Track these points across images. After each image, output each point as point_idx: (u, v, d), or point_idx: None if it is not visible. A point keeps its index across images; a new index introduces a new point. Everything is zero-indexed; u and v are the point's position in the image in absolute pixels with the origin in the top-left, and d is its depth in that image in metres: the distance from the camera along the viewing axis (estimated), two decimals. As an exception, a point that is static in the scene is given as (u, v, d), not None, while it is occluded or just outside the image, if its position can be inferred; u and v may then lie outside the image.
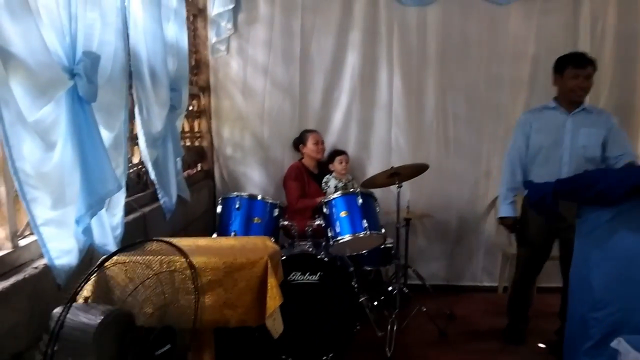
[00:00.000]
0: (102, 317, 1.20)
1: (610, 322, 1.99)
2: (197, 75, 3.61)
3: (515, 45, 3.56)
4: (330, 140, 3.66)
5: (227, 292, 1.53)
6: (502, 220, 2.86)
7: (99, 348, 1.19)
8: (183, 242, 1.81)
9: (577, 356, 2.13)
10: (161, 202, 2.56)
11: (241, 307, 1.55)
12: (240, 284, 1.54)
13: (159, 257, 1.45)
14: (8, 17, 1.25)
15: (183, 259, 1.44)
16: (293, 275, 2.61)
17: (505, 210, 2.80)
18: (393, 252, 3.22)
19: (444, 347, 2.90)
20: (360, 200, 2.67)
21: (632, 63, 3.54)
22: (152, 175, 2.48)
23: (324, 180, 3.49)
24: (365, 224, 2.62)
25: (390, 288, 3.14)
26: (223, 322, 1.55)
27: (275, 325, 1.61)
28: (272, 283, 1.55)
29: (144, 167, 2.56)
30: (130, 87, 2.17)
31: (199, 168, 3.74)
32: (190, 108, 3.53)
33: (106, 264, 1.36)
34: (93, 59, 1.61)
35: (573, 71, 2.62)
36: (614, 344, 1.77)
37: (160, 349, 1.31)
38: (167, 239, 1.48)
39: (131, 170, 2.52)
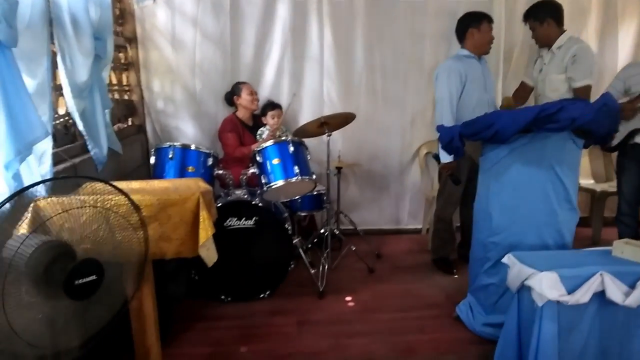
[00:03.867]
0: (39, 244, 1.28)
1: (505, 245, 2.31)
2: (122, 25, 3.50)
3: (437, 1, 3.72)
4: (263, 94, 3.72)
5: (162, 226, 1.64)
6: (446, 165, 2.96)
7: (32, 273, 1.28)
8: (118, 185, 1.88)
9: (479, 276, 2.47)
10: (91, 153, 2.56)
11: (176, 239, 1.67)
12: (174, 218, 1.65)
13: (92, 196, 1.52)
14: None
15: (117, 197, 1.52)
16: (230, 221, 2.75)
17: (446, 156, 2.88)
18: (324, 197, 3.42)
19: (371, 281, 3.19)
20: (292, 148, 2.81)
21: None
22: (81, 126, 2.46)
23: (258, 132, 3.57)
24: (296, 170, 2.78)
25: (322, 231, 3.36)
26: (160, 254, 1.67)
27: (209, 254, 1.75)
28: (204, 216, 1.68)
29: (72, 118, 2.53)
30: (51, 35, 2.12)
31: (130, 123, 3.69)
32: (118, 60, 3.44)
33: (39, 200, 1.41)
34: (11, 4, 1.59)
35: (489, 26, 3.01)
36: (504, 259, 2.09)
37: (85, 278, 1.38)
38: (99, 178, 1.55)
39: (58, 122, 2.49)
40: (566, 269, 1.90)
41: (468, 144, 2.36)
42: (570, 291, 1.86)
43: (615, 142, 3.02)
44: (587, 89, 2.92)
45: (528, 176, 2.26)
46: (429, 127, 3.92)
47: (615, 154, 3.18)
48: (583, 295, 1.86)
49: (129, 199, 1.45)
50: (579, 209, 2.37)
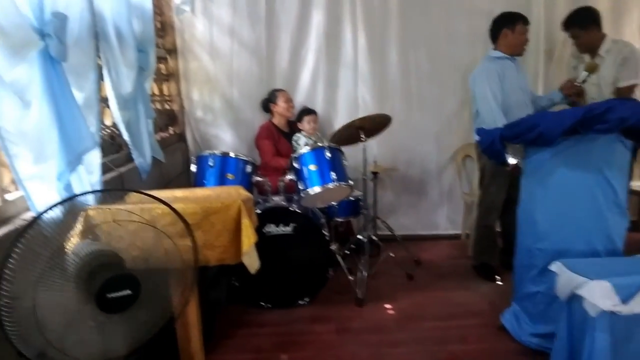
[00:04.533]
0: (89, 252, 1.33)
1: (551, 251, 2.22)
2: (163, 37, 3.61)
3: (473, 1, 3.66)
4: (299, 99, 3.75)
5: (205, 234, 1.67)
6: (515, 167, 2.76)
7: (78, 277, 1.33)
8: (161, 194, 1.92)
9: (525, 284, 2.38)
10: (136, 162, 2.64)
11: (219, 247, 1.70)
12: (217, 226, 1.68)
13: (139, 205, 1.57)
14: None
15: (162, 206, 1.56)
16: (268, 227, 2.77)
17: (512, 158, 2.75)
18: (361, 203, 3.40)
19: (410, 288, 3.14)
20: (329, 154, 2.81)
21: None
22: (126, 136, 2.55)
23: (294, 138, 3.60)
24: (333, 176, 2.77)
25: (360, 237, 3.34)
26: (204, 261, 1.70)
27: (251, 261, 1.77)
28: (246, 224, 1.70)
29: (117, 129, 2.62)
30: (97, 48, 2.21)
31: (171, 131, 3.79)
32: (159, 71, 3.55)
33: (89, 209, 1.47)
34: (62, 19, 1.66)
35: (524, 27, 2.94)
36: (552, 267, 2.02)
37: (118, 292, 1.38)
38: (145, 191, 1.59)
39: (104, 132, 2.58)
40: (619, 277, 1.81)
41: (509, 147, 2.29)
42: (624, 300, 1.77)
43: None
44: (631, 88, 2.88)
45: (574, 180, 2.17)
46: (466, 129, 3.84)
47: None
48: (638, 304, 1.77)
49: (173, 210, 1.48)
50: (631, 213, 2.26)
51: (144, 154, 2.71)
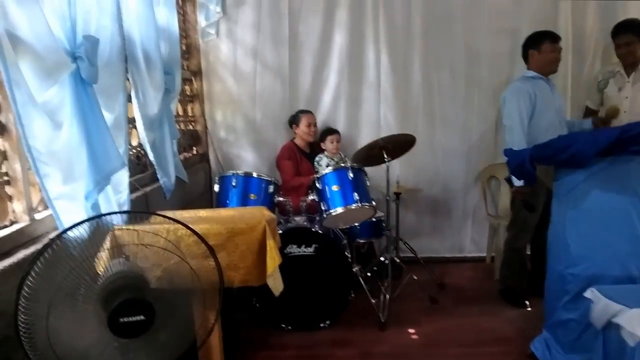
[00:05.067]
0: (115, 272, 1.32)
1: (585, 277, 2.13)
2: (188, 59, 3.68)
3: (498, 20, 3.64)
4: (321, 119, 3.76)
5: (229, 255, 1.65)
6: (520, 190, 2.79)
7: (103, 295, 1.32)
8: (185, 214, 1.93)
9: (556, 311, 2.29)
10: (161, 182, 2.66)
11: (243, 268, 1.68)
12: (241, 247, 1.66)
13: (164, 225, 1.56)
14: (15, 4, 1.34)
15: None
16: (289, 248, 2.75)
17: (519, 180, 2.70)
18: (384, 224, 3.35)
19: (435, 313, 3.05)
20: (351, 175, 2.79)
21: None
22: (151, 156, 2.58)
23: (316, 159, 3.59)
24: (356, 196, 2.74)
25: (382, 259, 3.28)
26: (227, 283, 1.68)
27: (275, 284, 1.74)
28: (270, 245, 1.68)
29: (143, 149, 2.66)
30: (126, 71, 2.25)
31: (194, 151, 3.83)
32: (184, 92, 3.61)
33: (116, 228, 1.47)
34: (93, 43, 1.70)
35: (552, 45, 2.88)
36: (586, 293, 1.93)
37: (130, 317, 1.34)
38: (167, 215, 1.58)
39: (131, 153, 2.62)
40: (660, 305, 1.72)
41: (539, 169, 2.23)
42: (667, 330, 1.68)
43: None
44: None
45: (609, 203, 2.09)
46: (491, 150, 3.79)
47: None
48: (681, 335, 1.67)
49: (195, 233, 1.47)
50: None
51: (169, 173, 2.74)
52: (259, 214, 1.88)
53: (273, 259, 1.68)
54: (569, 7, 3.60)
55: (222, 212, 1.98)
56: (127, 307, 1.33)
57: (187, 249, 1.57)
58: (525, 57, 3.03)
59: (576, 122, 3.14)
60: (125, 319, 1.34)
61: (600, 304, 1.84)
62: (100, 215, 1.51)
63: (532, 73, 2.96)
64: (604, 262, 2.13)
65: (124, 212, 1.67)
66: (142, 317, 1.36)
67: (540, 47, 2.92)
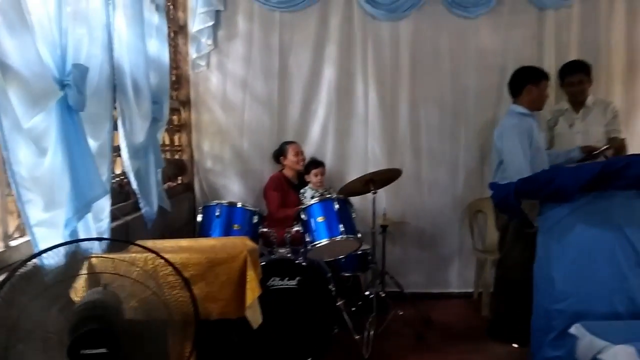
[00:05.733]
0: (88, 300, 1.27)
1: (571, 313, 2.12)
2: (178, 90, 3.71)
3: (484, 57, 3.75)
4: (309, 151, 3.77)
5: (208, 285, 1.61)
6: None
7: (72, 325, 1.27)
8: (166, 243, 1.90)
9: (543, 347, 2.26)
10: (142, 211, 2.62)
11: (222, 299, 1.63)
12: (221, 277, 1.62)
13: (143, 254, 1.52)
14: (6, 32, 1.35)
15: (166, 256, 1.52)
16: (272, 281, 2.69)
17: None
18: (369, 257, 3.32)
19: (421, 350, 2.99)
20: (337, 206, 2.78)
21: (595, 71, 3.55)
22: (134, 185, 2.55)
23: (301, 191, 3.58)
24: (341, 228, 2.73)
25: (367, 293, 3.23)
26: (205, 314, 1.63)
27: (254, 316, 1.69)
28: (251, 276, 1.64)
29: (126, 177, 2.63)
30: (114, 99, 2.26)
31: (179, 181, 3.80)
32: (172, 122, 3.61)
33: (93, 256, 1.43)
34: (82, 71, 1.70)
35: (546, 83, 2.99)
36: (572, 330, 1.92)
37: (92, 350, 1.27)
38: (144, 245, 1.54)
39: (114, 181, 2.59)
40: (645, 342, 1.70)
41: (524, 203, 2.24)
42: (652, 368, 1.66)
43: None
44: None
45: (593, 238, 2.11)
46: (477, 184, 3.81)
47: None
48: (667, 373, 1.65)
49: (170, 264, 1.43)
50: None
51: (151, 202, 2.70)
52: (241, 243, 1.85)
53: (253, 290, 1.64)
54: (553, 47, 3.71)
55: (204, 242, 1.95)
56: (91, 338, 1.26)
57: (164, 279, 1.53)
58: (518, 90, 2.99)
59: (561, 152, 3.15)
60: (87, 351, 1.27)
61: (586, 340, 1.82)
62: (70, 242, 1.48)
63: (522, 109, 2.94)
64: (590, 298, 2.13)
65: (97, 239, 1.63)
66: (104, 350, 1.28)
67: (539, 84, 2.93)
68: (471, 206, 3.83)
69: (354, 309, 3.28)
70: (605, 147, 2.93)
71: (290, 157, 3.50)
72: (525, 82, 2.95)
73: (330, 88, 3.75)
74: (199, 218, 2.86)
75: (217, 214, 2.74)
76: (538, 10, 3.70)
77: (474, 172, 3.84)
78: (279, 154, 3.59)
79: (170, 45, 3.33)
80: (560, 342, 2.16)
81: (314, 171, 3.57)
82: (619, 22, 3.69)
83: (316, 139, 3.81)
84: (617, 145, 3.01)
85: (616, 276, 2.11)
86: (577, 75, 3.18)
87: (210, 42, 3.60)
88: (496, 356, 2.88)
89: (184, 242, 1.92)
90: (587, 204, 2.07)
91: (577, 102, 3.23)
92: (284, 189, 3.47)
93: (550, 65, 3.62)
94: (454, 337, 3.17)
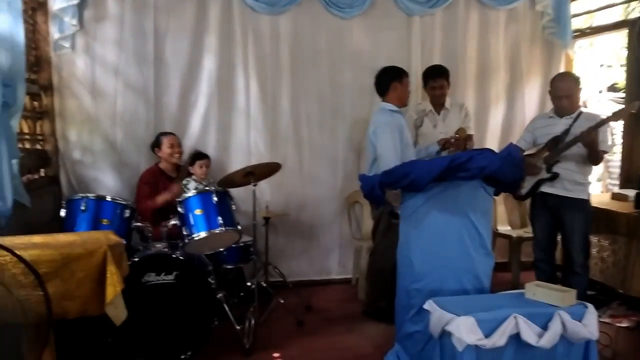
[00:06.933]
0: None
1: (427, 291, 2.36)
2: (37, 72, 3.35)
3: (359, 56, 3.93)
4: (190, 144, 3.67)
5: (64, 283, 1.50)
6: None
7: None
8: (17, 240, 1.73)
9: (405, 324, 2.48)
10: (-7, 206, 2.34)
11: (80, 297, 1.54)
12: (78, 274, 1.52)
13: (-17, 254, 1.37)
14: None
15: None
16: (147, 277, 2.59)
17: None
18: (252, 249, 3.34)
19: (300, 335, 3.10)
20: (216, 198, 2.75)
21: (454, 77, 3.85)
22: (-19, 177, 2.27)
23: (184, 182, 3.47)
24: (220, 220, 2.71)
25: (249, 284, 3.25)
26: (61, 314, 1.52)
27: (117, 312, 1.62)
28: (111, 271, 1.57)
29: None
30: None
31: (42, 173, 3.45)
32: (31, 108, 3.26)
33: None
34: None
35: (408, 80, 3.21)
36: (425, 305, 2.13)
37: None
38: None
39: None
40: (482, 312, 1.96)
41: (389, 193, 2.44)
42: (488, 335, 1.92)
43: (524, 191, 3.19)
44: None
45: (445, 223, 2.36)
46: (355, 176, 3.98)
47: (529, 202, 3.37)
48: (499, 338, 1.92)
49: (19, 258, 1.32)
50: (500, 255, 2.48)
51: (4, 196, 2.41)
52: (104, 238, 1.75)
53: (114, 286, 1.56)
54: (419, 51, 4.02)
55: (61, 238, 1.80)
56: None
57: (13, 278, 1.39)
58: (385, 89, 3.13)
59: (422, 148, 3.41)
60: None
61: (436, 314, 2.04)
62: None
63: (390, 106, 3.09)
64: (442, 278, 2.38)
65: None
66: None
67: (402, 80, 3.11)
68: (349, 198, 4.04)
69: (236, 300, 3.28)
70: (454, 136, 3.26)
71: (165, 149, 3.35)
72: (390, 80, 3.12)
73: (210, 79, 3.67)
74: (63, 213, 2.64)
75: (82, 208, 2.55)
76: (406, 16, 3.98)
77: (351, 166, 4.04)
78: (154, 146, 3.43)
79: (27, 22, 3.00)
80: (419, 318, 2.40)
81: (198, 162, 3.49)
82: (473, 32, 4.13)
83: (197, 131, 3.71)
84: (462, 134, 3.24)
85: (464, 257, 2.38)
86: (439, 80, 3.47)
87: (75, 22, 3.29)
88: (368, 334, 3.09)
89: (38, 239, 1.75)
90: (439, 193, 2.32)
91: (439, 104, 3.56)
92: (158, 183, 3.30)
93: (417, 68, 3.95)
94: (331, 321, 3.33)
